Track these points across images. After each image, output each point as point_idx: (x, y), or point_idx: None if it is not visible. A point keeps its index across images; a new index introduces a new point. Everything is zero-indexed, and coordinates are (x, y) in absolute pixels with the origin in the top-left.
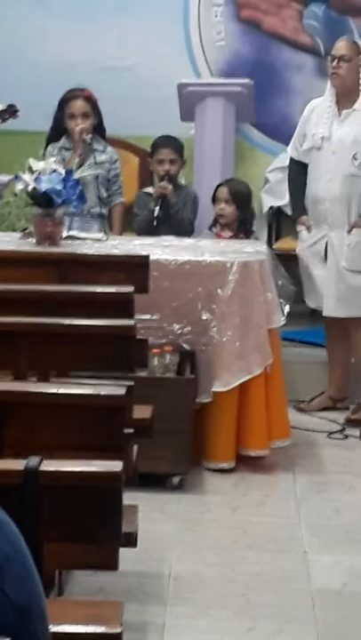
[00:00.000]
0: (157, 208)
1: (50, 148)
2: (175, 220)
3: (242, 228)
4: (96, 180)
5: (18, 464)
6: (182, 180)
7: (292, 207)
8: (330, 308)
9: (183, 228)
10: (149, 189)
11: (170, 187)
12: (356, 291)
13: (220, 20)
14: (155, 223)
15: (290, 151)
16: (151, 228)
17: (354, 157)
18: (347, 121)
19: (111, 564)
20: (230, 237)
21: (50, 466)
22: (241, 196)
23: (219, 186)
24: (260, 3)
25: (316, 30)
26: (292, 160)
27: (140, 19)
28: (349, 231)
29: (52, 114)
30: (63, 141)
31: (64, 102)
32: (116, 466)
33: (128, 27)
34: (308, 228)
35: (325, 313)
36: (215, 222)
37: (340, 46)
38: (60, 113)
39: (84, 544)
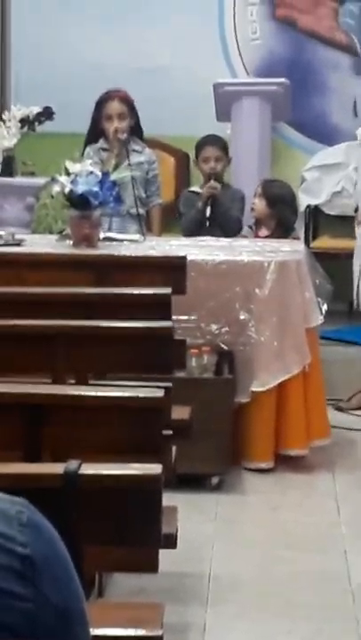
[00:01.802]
0: (208, 208)
1: (88, 149)
2: (224, 220)
3: (279, 227)
4: (134, 181)
5: (57, 467)
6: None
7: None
8: None
9: (231, 228)
10: (195, 188)
11: (218, 186)
12: None
13: (256, 19)
14: (207, 224)
15: None
16: (201, 228)
17: None
18: None
19: (151, 566)
20: (266, 236)
21: (89, 469)
22: (272, 194)
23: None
24: (296, 1)
25: (352, 28)
26: None
27: (176, 18)
28: None
29: (87, 115)
30: (101, 143)
31: (100, 104)
32: (155, 468)
33: (163, 26)
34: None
35: None
36: (256, 221)
37: None
38: (96, 114)
39: (124, 546)
